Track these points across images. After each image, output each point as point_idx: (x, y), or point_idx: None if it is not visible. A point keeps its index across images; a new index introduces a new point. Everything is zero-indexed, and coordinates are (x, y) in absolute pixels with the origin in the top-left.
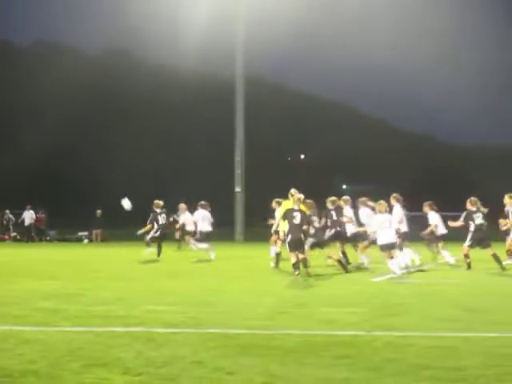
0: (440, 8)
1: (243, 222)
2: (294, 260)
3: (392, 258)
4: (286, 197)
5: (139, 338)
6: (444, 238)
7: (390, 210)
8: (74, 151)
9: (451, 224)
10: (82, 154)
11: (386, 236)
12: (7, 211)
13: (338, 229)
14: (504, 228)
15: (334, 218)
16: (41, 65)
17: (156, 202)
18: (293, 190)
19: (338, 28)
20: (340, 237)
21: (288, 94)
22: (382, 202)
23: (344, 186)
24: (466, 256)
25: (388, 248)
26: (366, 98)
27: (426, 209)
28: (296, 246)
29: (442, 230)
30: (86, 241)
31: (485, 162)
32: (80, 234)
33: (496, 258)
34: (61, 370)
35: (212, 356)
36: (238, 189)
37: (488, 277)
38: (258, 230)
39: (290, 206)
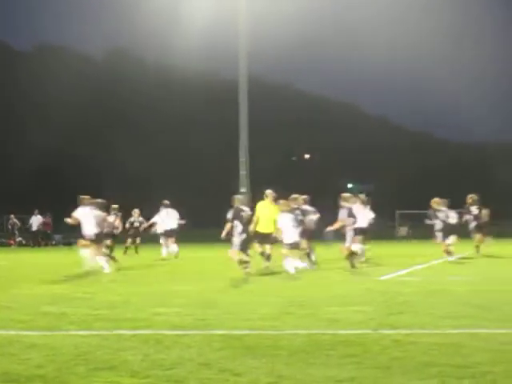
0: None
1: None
2: (240, 258)
3: (291, 256)
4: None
5: (146, 340)
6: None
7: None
8: (76, 153)
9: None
10: (85, 156)
11: (292, 235)
12: (12, 216)
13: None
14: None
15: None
16: (41, 67)
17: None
18: (268, 191)
19: (342, 27)
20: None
21: (292, 94)
22: (86, 196)
23: (349, 185)
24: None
25: (292, 247)
26: (370, 97)
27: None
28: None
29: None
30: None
31: (488, 158)
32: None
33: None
34: (68, 374)
35: (218, 357)
36: (243, 189)
37: (495, 273)
38: None
39: (264, 206)
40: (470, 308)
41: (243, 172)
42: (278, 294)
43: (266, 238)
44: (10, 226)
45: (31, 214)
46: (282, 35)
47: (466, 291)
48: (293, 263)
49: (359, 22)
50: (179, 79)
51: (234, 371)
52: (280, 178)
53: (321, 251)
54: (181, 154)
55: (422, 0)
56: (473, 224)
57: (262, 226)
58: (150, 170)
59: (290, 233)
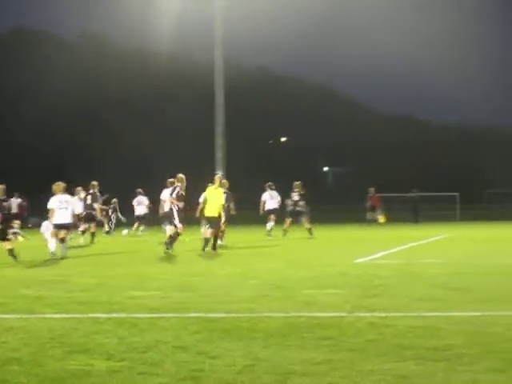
0: None
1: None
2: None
3: (62, 239)
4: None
5: (122, 323)
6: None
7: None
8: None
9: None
10: (69, 141)
11: (62, 217)
12: None
13: None
14: None
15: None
16: (19, 52)
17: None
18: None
19: (322, 8)
20: None
21: (270, 77)
22: (60, 183)
23: (325, 168)
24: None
25: (61, 228)
26: (349, 80)
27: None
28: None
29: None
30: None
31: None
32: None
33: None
34: (43, 357)
35: (195, 340)
36: (219, 173)
37: (469, 256)
38: (240, 213)
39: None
40: (446, 291)
41: (219, 155)
42: (254, 276)
43: (212, 222)
44: None
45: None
46: (261, 17)
47: (441, 274)
48: (54, 243)
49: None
50: (153, 63)
51: (211, 354)
52: (256, 162)
53: (295, 234)
54: (158, 136)
55: None
56: (290, 208)
57: (209, 210)
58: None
59: (60, 214)
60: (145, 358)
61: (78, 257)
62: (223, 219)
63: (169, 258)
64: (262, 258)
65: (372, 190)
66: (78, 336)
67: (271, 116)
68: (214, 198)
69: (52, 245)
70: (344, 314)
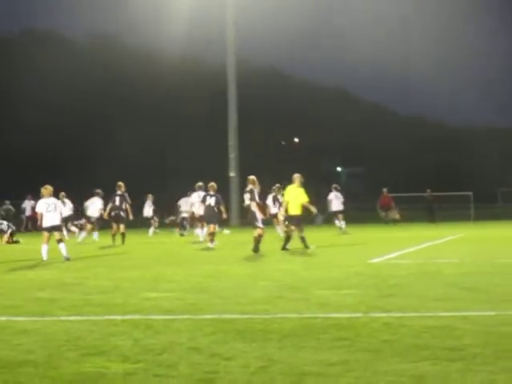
0: None
1: (238, 207)
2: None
3: (60, 240)
4: (280, 180)
5: (137, 325)
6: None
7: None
8: (68, 138)
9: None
10: (79, 141)
11: (51, 219)
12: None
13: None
14: None
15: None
16: (29, 54)
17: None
18: (295, 175)
19: (333, 11)
20: None
21: (282, 79)
22: (48, 186)
23: (338, 169)
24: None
25: (52, 230)
26: (362, 82)
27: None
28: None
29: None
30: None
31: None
32: (76, 222)
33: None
34: (59, 359)
35: (209, 342)
36: (232, 173)
37: (484, 256)
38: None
39: (291, 189)
40: (461, 290)
41: (232, 156)
42: (267, 277)
43: (292, 220)
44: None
45: (23, 199)
46: (273, 20)
47: (456, 273)
48: (64, 246)
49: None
50: (166, 64)
51: (225, 355)
52: (269, 163)
53: (311, 234)
54: (171, 138)
55: None
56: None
57: (291, 208)
58: (135, 158)
59: (49, 217)
60: (160, 359)
61: (92, 258)
62: (214, 224)
63: (180, 259)
64: (274, 258)
65: (385, 190)
66: (93, 338)
67: (283, 117)
68: (295, 197)
69: (44, 251)
70: (359, 315)
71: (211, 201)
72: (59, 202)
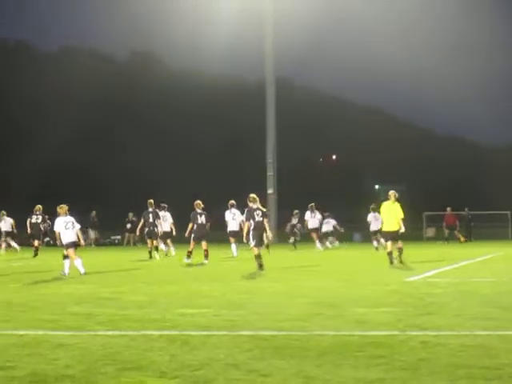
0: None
1: (276, 224)
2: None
3: (75, 258)
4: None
5: (174, 341)
6: None
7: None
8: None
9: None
10: (113, 156)
11: (70, 236)
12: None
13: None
14: None
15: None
16: (66, 70)
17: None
18: (390, 192)
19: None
20: None
21: (318, 97)
22: (63, 205)
23: (376, 186)
24: (257, 256)
25: (71, 246)
26: (396, 101)
27: None
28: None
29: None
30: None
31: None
32: (113, 237)
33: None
34: (96, 374)
35: (246, 358)
36: (270, 191)
37: None
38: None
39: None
40: (498, 309)
41: (270, 173)
42: (304, 294)
43: (388, 236)
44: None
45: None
46: (309, 37)
47: (493, 293)
48: (81, 262)
49: (389, 22)
50: (204, 81)
51: (262, 372)
52: (306, 180)
53: (348, 253)
54: (196, 154)
55: None
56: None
57: (388, 225)
58: (179, 174)
59: (68, 234)
60: (197, 375)
61: (129, 272)
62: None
63: (216, 275)
64: (311, 276)
65: (449, 208)
66: (130, 353)
67: (321, 135)
68: (392, 213)
69: (79, 265)
70: (396, 333)
71: (202, 219)
72: (74, 220)
